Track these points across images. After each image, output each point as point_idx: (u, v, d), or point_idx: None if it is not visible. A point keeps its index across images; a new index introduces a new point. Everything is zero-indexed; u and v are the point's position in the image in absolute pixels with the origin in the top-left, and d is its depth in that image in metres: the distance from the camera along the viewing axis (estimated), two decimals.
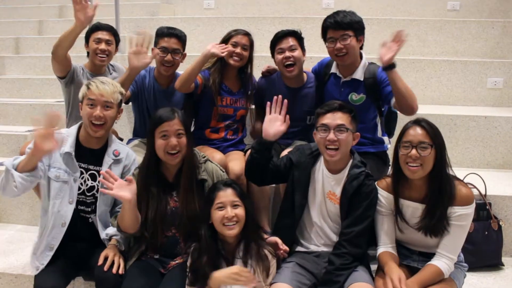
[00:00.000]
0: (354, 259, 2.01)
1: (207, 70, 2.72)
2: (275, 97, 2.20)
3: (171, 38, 2.66)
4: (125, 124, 3.32)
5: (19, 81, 4.20)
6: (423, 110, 2.64)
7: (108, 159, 2.21)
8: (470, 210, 1.90)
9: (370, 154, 2.52)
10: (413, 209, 1.96)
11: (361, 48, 2.53)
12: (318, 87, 2.73)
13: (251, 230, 2.00)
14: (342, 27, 2.41)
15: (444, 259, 1.91)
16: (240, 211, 1.96)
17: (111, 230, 2.19)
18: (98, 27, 2.91)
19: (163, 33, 2.68)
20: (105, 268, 2.00)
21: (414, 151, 1.87)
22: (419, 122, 1.92)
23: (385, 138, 2.65)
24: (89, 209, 2.23)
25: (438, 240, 1.94)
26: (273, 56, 2.70)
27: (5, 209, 3.07)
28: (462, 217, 1.89)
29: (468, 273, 2.12)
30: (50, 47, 2.91)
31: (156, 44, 2.71)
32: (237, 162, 2.53)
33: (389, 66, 2.27)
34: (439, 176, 1.89)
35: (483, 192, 2.48)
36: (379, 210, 2.02)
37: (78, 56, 3.14)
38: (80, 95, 2.20)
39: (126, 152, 2.28)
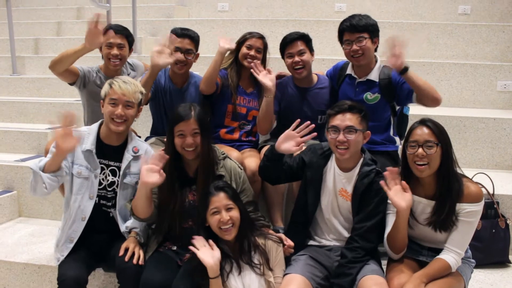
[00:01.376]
0: (366, 253, 2.08)
1: (223, 69, 2.82)
2: (307, 122, 2.20)
3: (184, 39, 2.73)
4: (142, 122, 3.43)
5: (38, 81, 4.33)
6: (433, 112, 2.70)
7: (128, 156, 2.29)
8: (479, 207, 1.95)
9: (382, 153, 2.59)
10: (424, 206, 2.02)
11: (375, 50, 2.61)
12: (333, 89, 2.81)
13: (248, 227, 2.06)
14: (358, 29, 2.50)
15: (452, 254, 1.96)
16: (235, 213, 2.00)
17: (131, 223, 2.27)
18: (109, 30, 2.88)
19: (177, 33, 2.74)
20: (126, 259, 2.10)
21: (420, 150, 1.93)
22: (424, 122, 1.99)
23: (397, 138, 2.72)
24: (110, 204, 2.31)
25: (447, 235, 1.99)
26: (283, 58, 2.79)
27: (27, 204, 3.19)
28: (471, 214, 1.95)
29: (475, 269, 2.17)
30: (68, 47, 2.98)
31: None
32: (252, 159, 2.61)
33: (403, 71, 2.37)
34: (447, 173, 1.95)
35: (491, 191, 2.54)
36: (390, 207, 2.07)
37: (95, 56, 3.22)
38: (103, 93, 2.27)
39: (145, 148, 2.35)
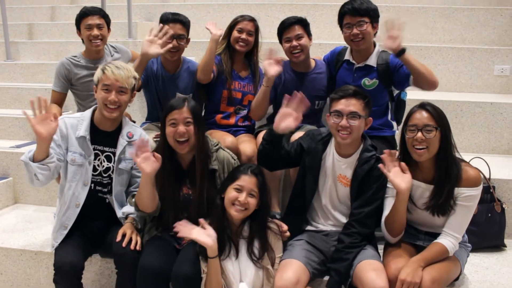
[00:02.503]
0: (363, 239, 2.09)
1: (217, 55, 2.79)
2: (295, 92, 2.15)
3: (176, 24, 2.68)
4: (138, 108, 3.41)
5: (33, 66, 4.28)
6: (430, 96, 2.68)
7: (122, 141, 2.27)
8: (477, 191, 1.96)
9: (379, 137, 2.59)
10: (422, 190, 2.02)
11: (374, 35, 2.58)
12: (330, 74, 2.80)
13: (260, 219, 2.05)
14: (359, 13, 2.49)
15: (450, 238, 1.97)
16: (253, 201, 2.01)
17: (127, 208, 2.26)
18: (87, 12, 2.89)
19: (168, 19, 2.70)
20: (124, 244, 2.09)
21: (419, 134, 1.93)
22: (424, 106, 1.98)
23: (394, 123, 2.72)
24: (106, 190, 2.31)
25: (444, 220, 2.00)
26: (280, 42, 2.76)
27: (23, 190, 3.18)
28: (469, 198, 1.95)
29: (471, 253, 2.20)
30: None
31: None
32: (248, 144, 2.60)
33: (400, 52, 2.36)
34: (445, 157, 1.95)
35: (487, 176, 2.54)
36: (388, 191, 2.07)
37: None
38: (95, 78, 2.24)
39: (139, 133, 2.33)
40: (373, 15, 2.51)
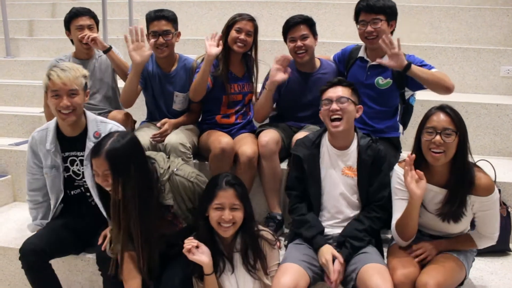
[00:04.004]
0: (380, 227, 2.14)
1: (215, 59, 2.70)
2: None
3: (160, 21, 2.63)
4: (138, 106, 3.35)
5: (33, 63, 4.25)
6: (435, 97, 2.64)
7: (89, 144, 2.17)
8: (494, 197, 1.92)
9: (384, 139, 2.54)
10: (434, 194, 1.97)
11: (391, 33, 2.52)
12: (339, 73, 2.74)
13: (250, 231, 1.97)
14: (374, 10, 2.44)
15: (482, 235, 2.00)
16: (239, 214, 1.91)
17: None
18: (77, 13, 2.87)
19: (151, 17, 2.67)
20: (103, 248, 2.04)
21: (438, 137, 1.86)
22: (443, 108, 1.92)
23: (401, 126, 2.68)
24: (89, 193, 2.27)
25: (454, 225, 1.97)
26: (285, 41, 2.71)
27: (22, 188, 3.14)
28: (488, 205, 1.92)
29: (476, 257, 2.15)
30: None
31: (147, 29, 2.70)
32: (249, 145, 2.55)
33: (405, 69, 2.33)
34: (461, 163, 1.89)
35: (492, 179, 2.49)
36: (398, 193, 2.02)
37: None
38: (43, 85, 2.14)
39: (109, 128, 2.22)
40: (389, 12, 2.46)
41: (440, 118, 1.89)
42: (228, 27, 2.67)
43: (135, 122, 3.00)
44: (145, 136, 2.59)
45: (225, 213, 1.89)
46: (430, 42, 4.13)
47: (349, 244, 2.04)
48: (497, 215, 1.98)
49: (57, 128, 2.22)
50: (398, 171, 2.03)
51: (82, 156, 2.22)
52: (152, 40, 2.64)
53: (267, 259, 1.99)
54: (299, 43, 2.61)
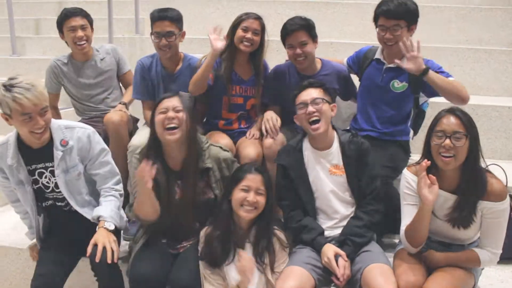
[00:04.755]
0: (378, 219, 2.11)
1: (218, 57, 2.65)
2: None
3: (163, 22, 2.58)
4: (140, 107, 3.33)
5: (38, 61, 4.21)
6: (444, 99, 2.58)
7: (57, 153, 2.05)
8: (504, 205, 1.86)
9: (394, 142, 2.51)
10: (444, 199, 1.91)
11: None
12: (343, 77, 2.69)
13: (267, 220, 2.01)
14: (395, 16, 2.35)
15: (486, 251, 1.90)
16: (262, 199, 1.98)
17: (98, 210, 2.08)
18: (68, 14, 2.79)
19: (154, 17, 2.62)
20: (97, 259, 1.89)
21: (448, 141, 1.81)
22: (453, 111, 1.86)
23: (411, 131, 2.61)
24: (63, 203, 2.17)
25: (464, 232, 1.91)
26: (284, 45, 2.61)
27: None
28: (497, 213, 1.86)
29: None
30: None
31: (151, 29, 2.65)
32: (252, 148, 2.49)
33: (423, 73, 2.27)
34: (472, 167, 1.84)
35: (504, 184, 2.42)
36: (407, 198, 1.98)
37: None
38: (7, 110, 1.92)
39: (77, 136, 2.10)
40: (411, 17, 2.38)
41: (450, 121, 1.83)
42: (234, 26, 2.61)
43: (137, 120, 2.96)
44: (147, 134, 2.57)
45: (250, 195, 1.96)
46: (440, 42, 4.05)
47: (351, 241, 2.04)
48: (504, 228, 1.91)
49: (19, 140, 2.05)
50: (407, 175, 1.98)
51: (52, 167, 2.07)
52: (155, 42, 2.60)
53: (276, 258, 1.99)
54: (298, 50, 2.52)
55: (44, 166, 2.10)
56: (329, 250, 2.00)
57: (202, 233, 2.04)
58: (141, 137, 2.58)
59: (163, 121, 2.02)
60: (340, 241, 2.07)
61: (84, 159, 2.12)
